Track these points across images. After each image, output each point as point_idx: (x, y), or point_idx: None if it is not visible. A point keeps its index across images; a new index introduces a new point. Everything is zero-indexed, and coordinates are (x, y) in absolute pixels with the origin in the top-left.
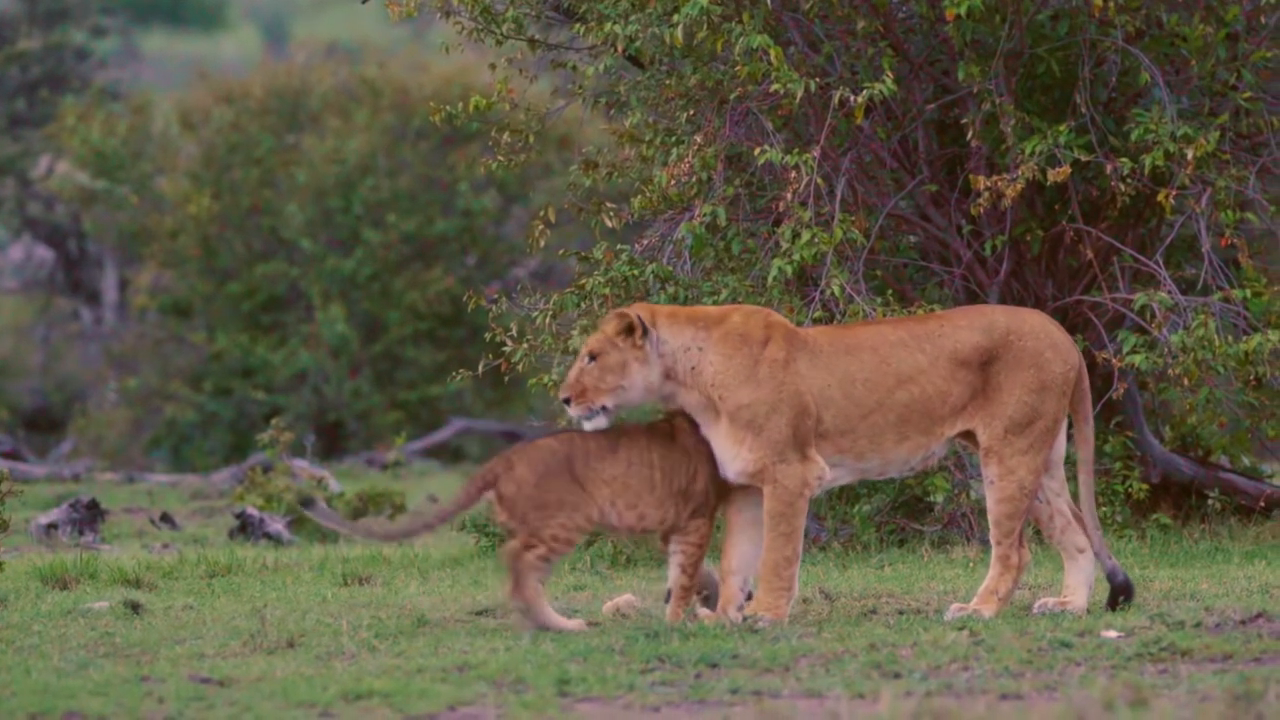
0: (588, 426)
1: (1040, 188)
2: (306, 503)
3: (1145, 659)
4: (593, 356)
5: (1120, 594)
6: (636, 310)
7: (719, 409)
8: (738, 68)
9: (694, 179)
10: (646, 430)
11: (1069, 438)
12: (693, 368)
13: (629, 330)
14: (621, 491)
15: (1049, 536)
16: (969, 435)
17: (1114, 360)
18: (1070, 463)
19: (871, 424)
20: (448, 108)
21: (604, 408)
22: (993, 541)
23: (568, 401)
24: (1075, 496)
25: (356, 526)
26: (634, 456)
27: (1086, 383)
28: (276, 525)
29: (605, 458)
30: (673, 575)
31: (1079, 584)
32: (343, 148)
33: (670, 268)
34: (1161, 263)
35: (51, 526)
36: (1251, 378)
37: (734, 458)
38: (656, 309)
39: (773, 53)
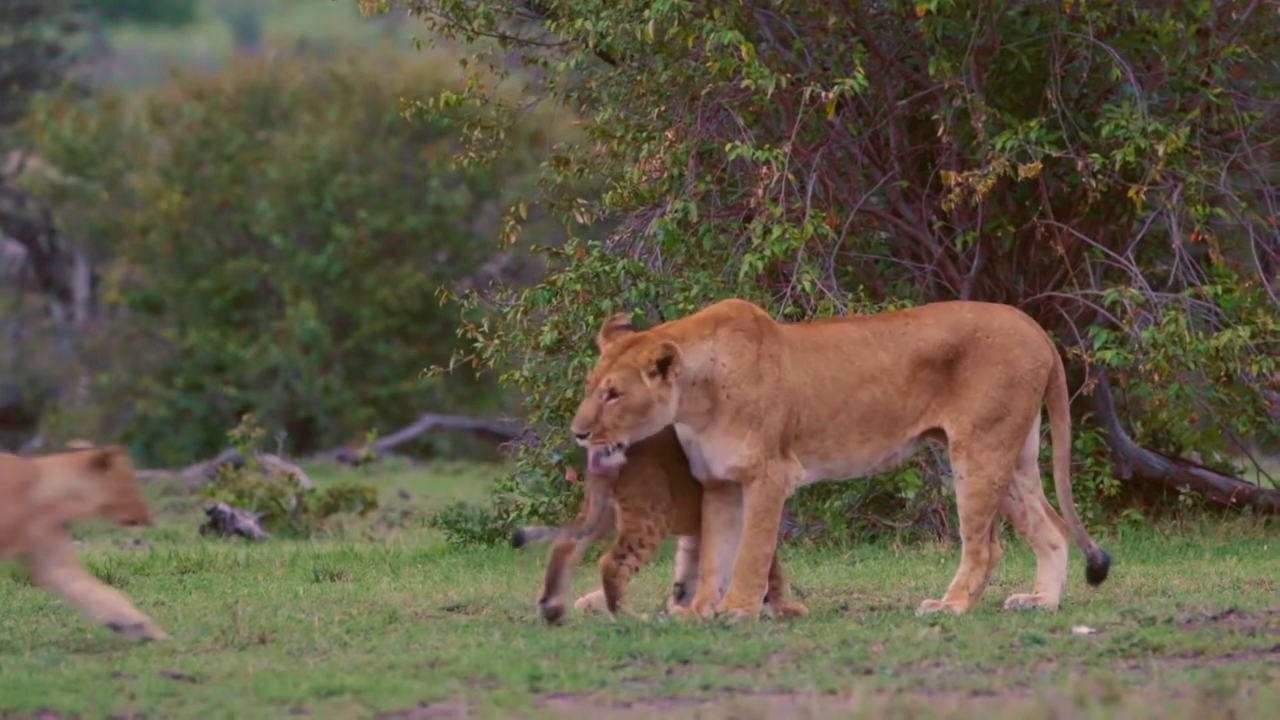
0: (605, 464)
1: (1011, 184)
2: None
3: (1117, 655)
4: (613, 393)
5: (1098, 574)
6: (668, 350)
7: (723, 407)
8: (709, 64)
9: (665, 175)
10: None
11: (1045, 434)
12: (707, 379)
13: (664, 365)
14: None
15: (1022, 533)
16: (939, 432)
17: (1085, 356)
18: (1046, 459)
19: (838, 424)
20: (419, 104)
21: (620, 444)
22: (963, 537)
23: (582, 437)
24: (1050, 493)
25: (559, 531)
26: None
27: (1063, 379)
28: (248, 521)
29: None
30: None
31: (1051, 580)
32: (314, 144)
33: (641, 263)
34: (1133, 259)
35: None
36: (1222, 374)
37: (731, 453)
38: (672, 334)
39: (744, 49)
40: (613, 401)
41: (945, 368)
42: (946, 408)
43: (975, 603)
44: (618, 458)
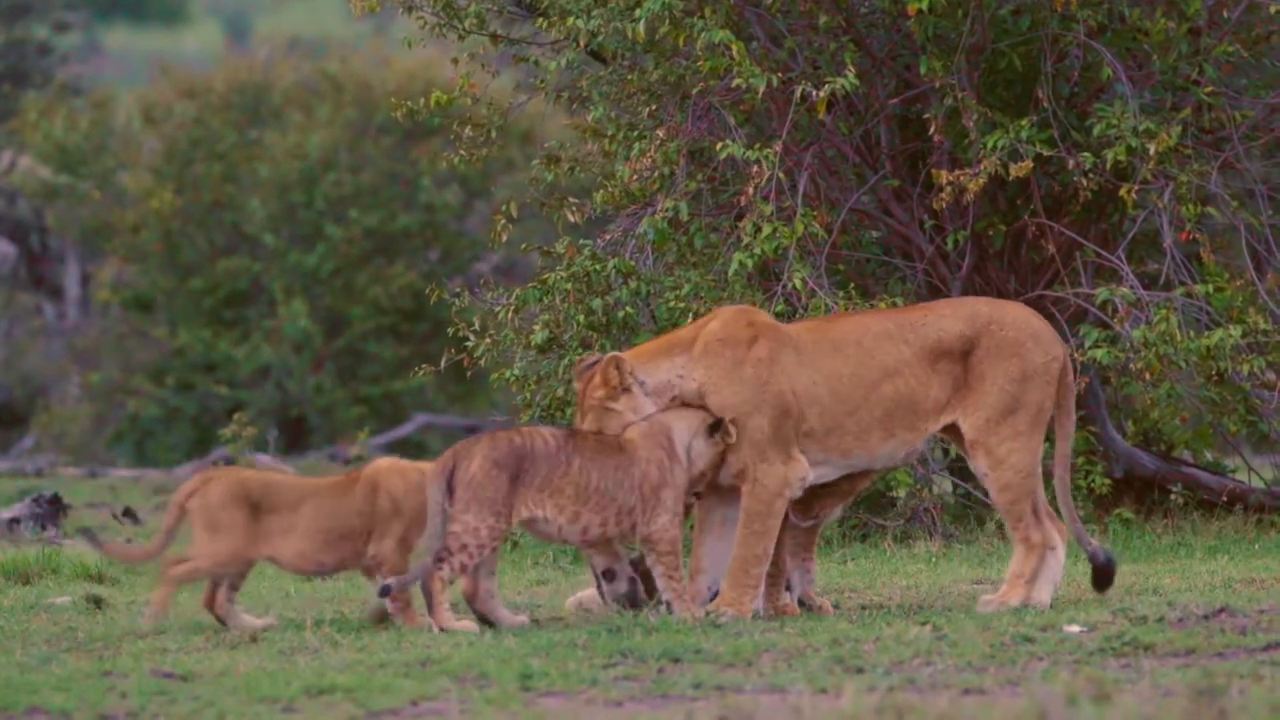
0: None
1: (1002, 183)
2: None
3: (1108, 654)
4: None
5: (1104, 576)
6: (612, 361)
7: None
8: (700, 63)
9: (656, 174)
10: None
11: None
12: (682, 394)
13: (608, 381)
14: None
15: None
16: (952, 429)
17: (1076, 355)
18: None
19: (858, 420)
20: (410, 103)
21: None
22: (1008, 529)
23: None
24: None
25: None
26: None
27: (1071, 377)
28: None
29: None
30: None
31: (1044, 580)
32: (305, 143)
33: (632, 262)
34: (1124, 258)
35: (14, 521)
36: (1213, 373)
37: None
38: (627, 355)
39: (735, 48)
40: None
41: (962, 359)
42: (963, 403)
43: (1032, 589)
44: None
